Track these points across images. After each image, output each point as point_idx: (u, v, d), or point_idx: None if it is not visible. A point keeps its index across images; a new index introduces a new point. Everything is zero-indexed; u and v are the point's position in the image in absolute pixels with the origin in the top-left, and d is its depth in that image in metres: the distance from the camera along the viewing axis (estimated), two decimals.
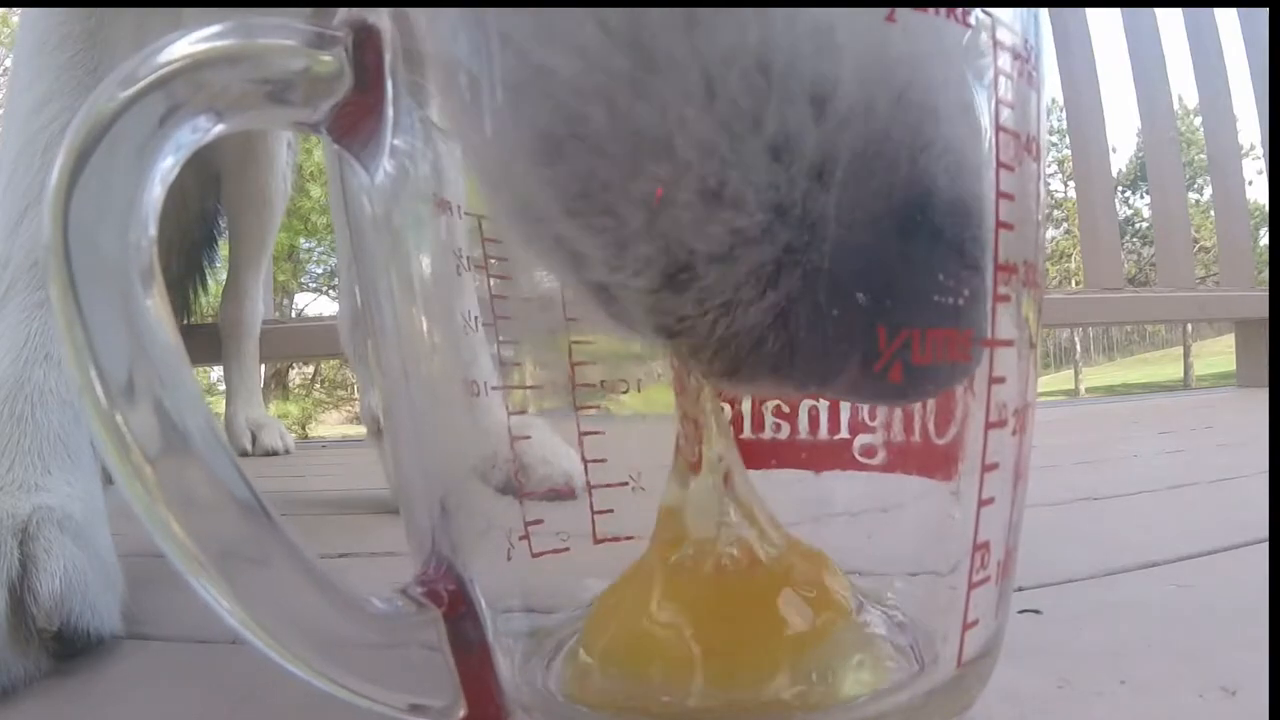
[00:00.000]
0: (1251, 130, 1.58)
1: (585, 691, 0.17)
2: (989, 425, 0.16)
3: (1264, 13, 1.44)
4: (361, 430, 0.64)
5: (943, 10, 0.14)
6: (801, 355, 0.14)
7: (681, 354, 0.15)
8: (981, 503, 0.16)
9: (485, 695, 0.16)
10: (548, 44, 0.13)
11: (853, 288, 0.14)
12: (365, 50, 0.15)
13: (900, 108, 0.13)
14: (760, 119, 0.13)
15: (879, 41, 0.13)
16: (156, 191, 0.13)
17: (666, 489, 0.18)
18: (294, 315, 3.70)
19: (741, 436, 0.18)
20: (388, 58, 0.15)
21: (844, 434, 0.18)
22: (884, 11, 0.13)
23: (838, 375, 0.14)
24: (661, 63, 0.13)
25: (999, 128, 0.15)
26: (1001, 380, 0.16)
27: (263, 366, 1.41)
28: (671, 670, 0.17)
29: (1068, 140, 1.46)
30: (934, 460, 0.17)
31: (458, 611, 0.16)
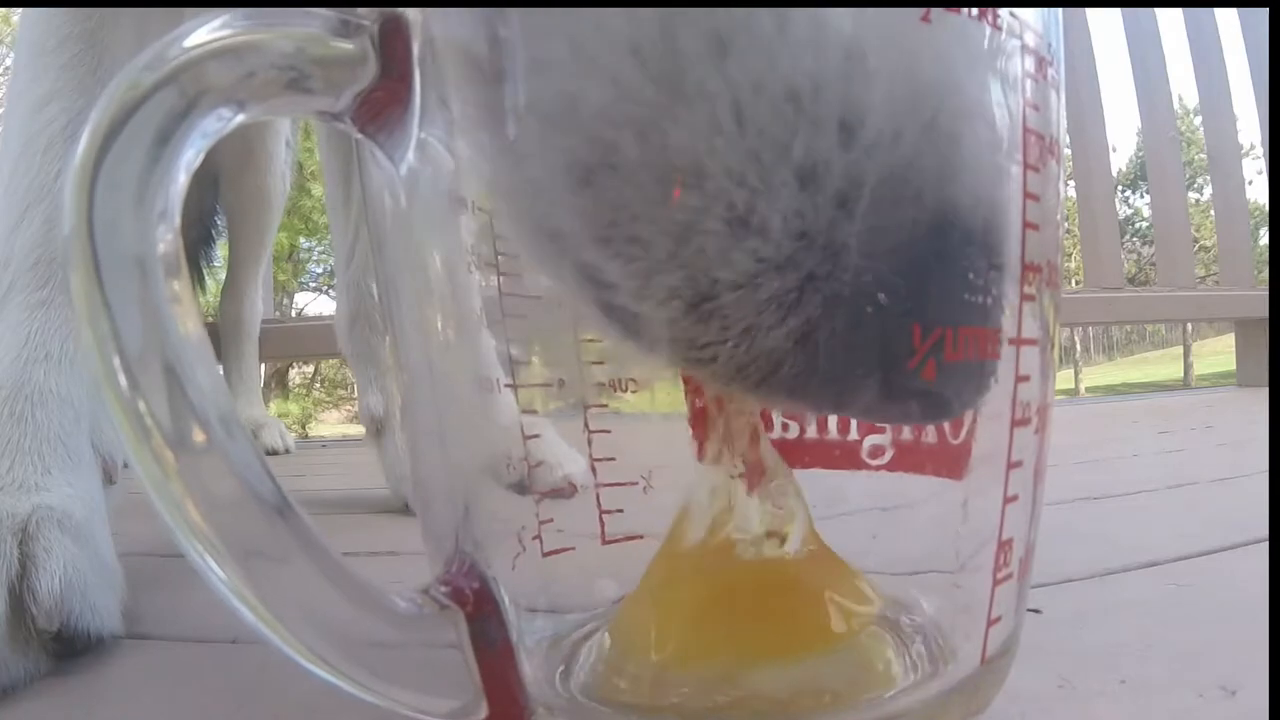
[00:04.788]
0: (1251, 130, 1.58)
1: (608, 690, 0.17)
2: (1014, 423, 0.16)
3: (1264, 13, 1.44)
4: (361, 430, 0.64)
5: (975, 12, 0.14)
6: (818, 378, 0.14)
7: (700, 375, 0.15)
8: (1006, 500, 0.16)
9: (508, 695, 0.16)
10: (581, 71, 0.13)
11: (872, 314, 0.14)
12: (393, 39, 0.15)
13: (928, 136, 0.13)
14: (789, 146, 0.13)
15: (910, 66, 0.13)
16: (181, 180, 0.13)
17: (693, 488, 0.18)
18: (294, 315, 3.70)
19: (771, 436, 0.18)
20: (416, 47, 0.15)
21: (863, 435, 0.18)
22: (915, 32, 0.13)
23: (853, 398, 0.14)
24: (692, 92, 0.13)
25: (1026, 130, 0.15)
26: (1026, 379, 0.16)
27: (263, 366, 1.41)
28: (691, 669, 0.17)
29: (1068, 140, 1.45)
30: (959, 459, 0.17)
31: (482, 611, 0.16)
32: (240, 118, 0.14)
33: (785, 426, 0.18)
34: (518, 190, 0.15)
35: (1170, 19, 1.50)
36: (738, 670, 0.16)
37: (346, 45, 0.15)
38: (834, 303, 0.13)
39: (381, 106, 0.15)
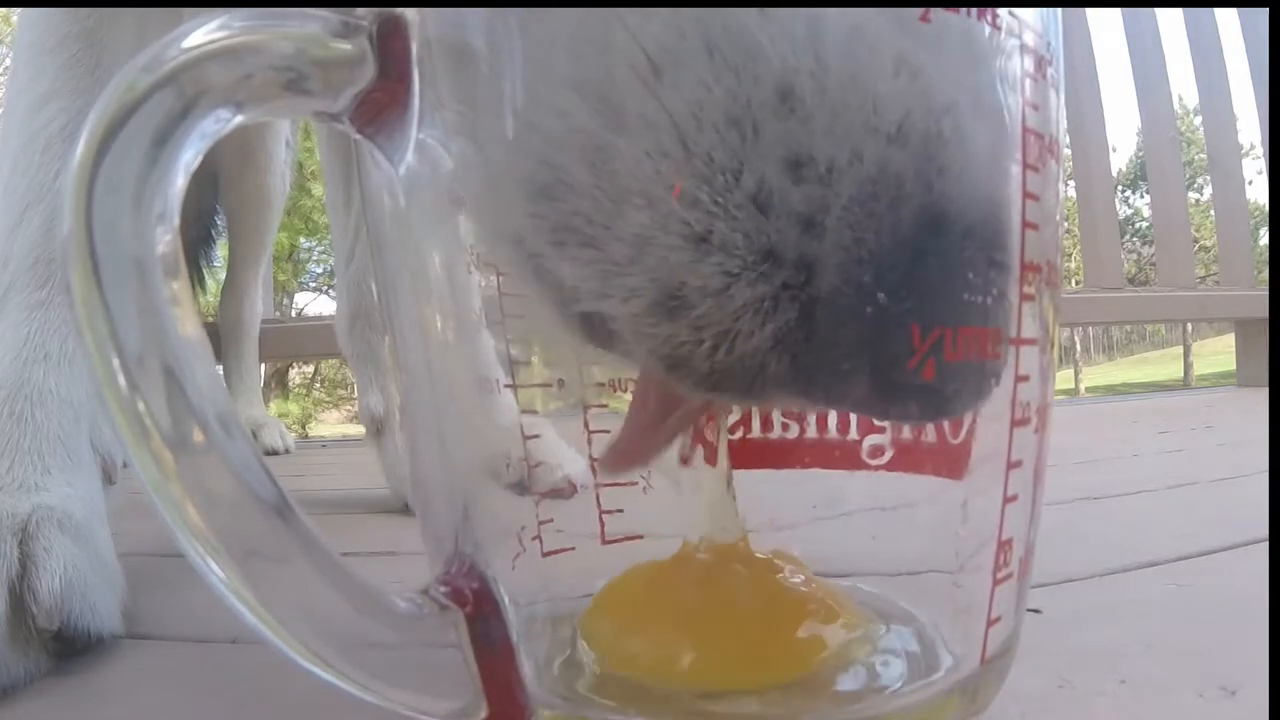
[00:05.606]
0: (1251, 130, 1.58)
1: (603, 691, 0.17)
2: (1014, 423, 0.16)
3: (1264, 13, 1.44)
4: (361, 430, 0.64)
5: (974, 11, 0.14)
6: (805, 377, 0.14)
7: (676, 377, 0.15)
8: (1006, 500, 0.16)
9: (508, 695, 0.16)
10: (533, 103, 0.14)
11: (861, 314, 0.14)
12: (391, 39, 0.15)
13: (896, 145, 0.13)
14: (739, 174, 0.13)
15: (863, 88, 0.13)
16: (179, 181, 0.13)
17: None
18: (294, 315, 3.70)
19: (771, 436, 0.18)
20: (414, 48, 0.15)
21: (863, 435, 0.18)
22: (873, 40, 0.13)
23: (847, 395, 0.14)
24: (633, 120, 0.13)
25: (1025, 129, 0.15)
26: (1026, 379, 0.16)
27: (263, 366, 1.40)
28: (682, 667, 0.17)
29: (1068, 140, 1.45)
30: (959, 459, 0.17)
31: (482, 611, 0.16)
32: (239, 119, 0.14)
33: (785, 426, 0.18)
34: (484, 195, 0.15)
35: (1170, 19, 1.50)
36: (724, 672, 0.16)
37: (345, 46, 0.15)
38: (812, 306, 0.13)
39: (380, 107, 0.15)
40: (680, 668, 0.17)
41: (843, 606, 0.18)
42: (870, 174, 0.13)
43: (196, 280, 1.20)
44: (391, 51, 0.15)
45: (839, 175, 0.13)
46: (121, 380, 0.13)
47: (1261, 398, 1.21)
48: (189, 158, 0.13)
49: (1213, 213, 1.58)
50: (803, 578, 0.18)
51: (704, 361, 0.14)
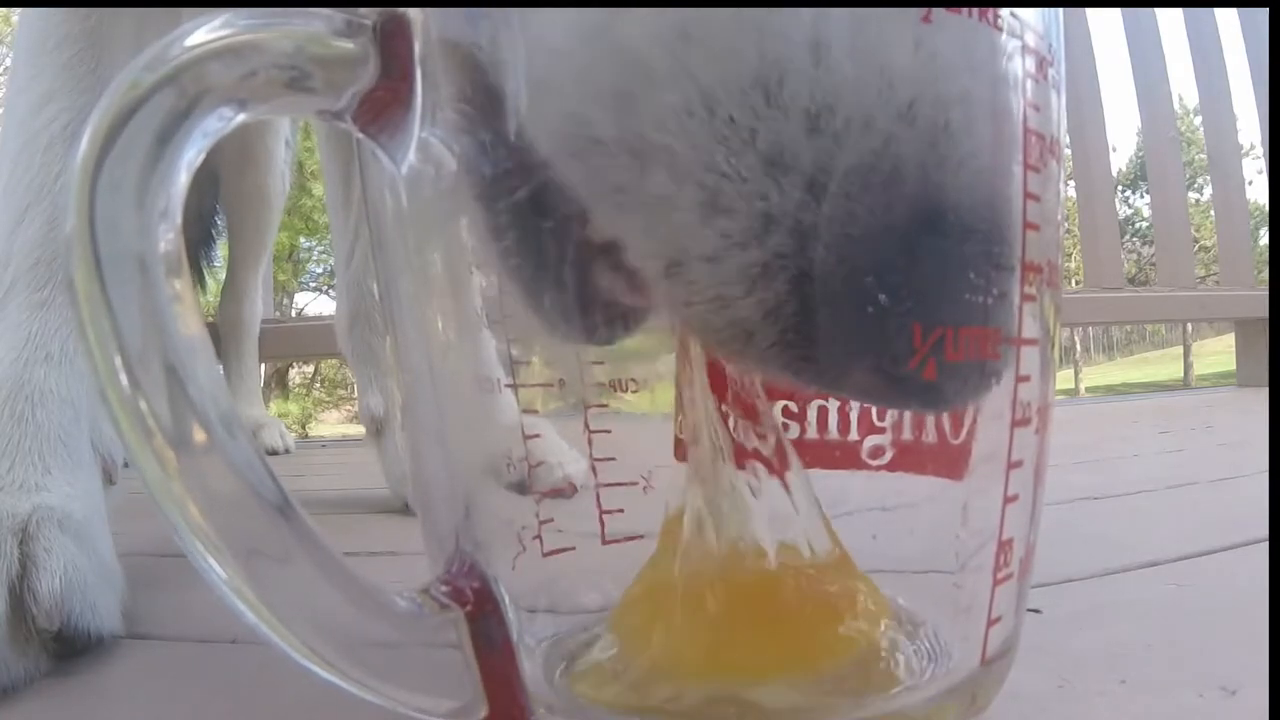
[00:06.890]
0: (1251, 130, 1.58)
1: (609, 691, 0.17)
2: (1015, 423, 0.16)
3: (1264, 13, 1.44)
4: (361, 430, 0.64)
5: (975, 12, 0.14)
6: (791, 354, 0.14)
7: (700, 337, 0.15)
8: (1006, 499, 0.16)
9: (508, 695, 0.16)
10: (564, 50, 0.14)
11: (844, 294, 0.14)
12: (394, 38, 0.15)
13: (903, 123, 0.13)
14: (755, 133, 0.13)
15: (884, 56, 0.13)
16: (182, 179, 0.13)
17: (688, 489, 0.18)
18: (294, 315, 3.70)
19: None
20: (418, 46, 0.15)
21: (869, 434, 0.18)
22: (893, 20, 0.13)
23: (838, 377, 0.14)
24: (661, 77, 0.13)
25: (1027, 130, 0.15)
26: (1027, 379, 0.16)
27: (263, 366, 1.40)
28: (695, 680, 0.17)
29: (1068, 140, 1.45)
30: (959, 460, 0.17)
31: (483, 610, 0.16)
32: (241, 117, 0.14)
33: (785, 426, 0.18)
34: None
35: (1170, 19, 1.50)
36: (741, 685, 0.16)
37: (348, 45, 0.15)
38: (801, 281, 0.14)
39: (383, 106, 0.15)
40: (699, 660, 0.17)
41: (858, 605, 0.18)
42: (874, 146, 0.13)
43: (197, 280, 1.20)
44: (394, 50, 0.15)
45: (850, 135, 0.13)
46: (123, 378, 0.13)
47: (1261, 398, 1.21)
48: (192, 156, 0.13)
49: (1213, 213, 1.58)
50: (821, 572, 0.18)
51: (704, 323, 0.14)
